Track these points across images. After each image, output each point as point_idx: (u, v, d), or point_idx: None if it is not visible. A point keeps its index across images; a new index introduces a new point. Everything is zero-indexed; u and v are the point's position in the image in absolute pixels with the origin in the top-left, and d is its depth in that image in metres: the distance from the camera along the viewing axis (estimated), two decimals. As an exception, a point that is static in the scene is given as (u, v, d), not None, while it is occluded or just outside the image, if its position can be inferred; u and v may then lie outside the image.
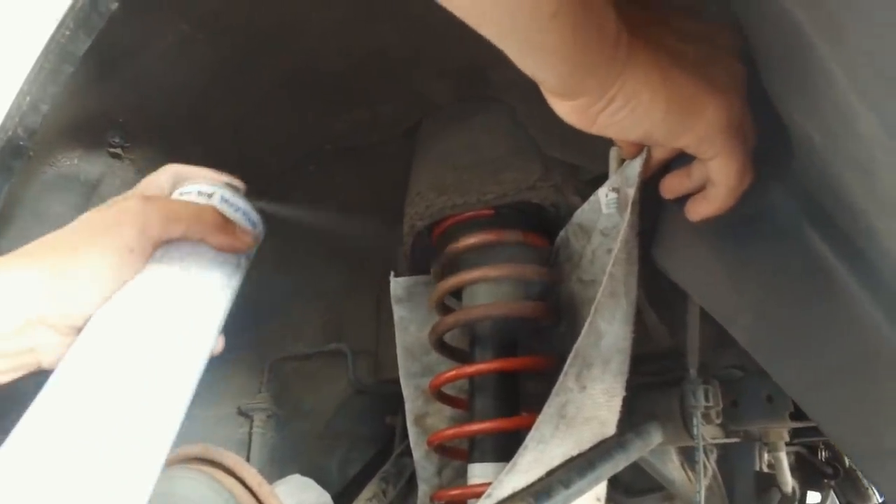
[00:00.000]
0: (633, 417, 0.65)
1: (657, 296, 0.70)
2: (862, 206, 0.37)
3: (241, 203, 0.55)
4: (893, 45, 0.22)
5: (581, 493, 0.58)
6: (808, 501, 1.32)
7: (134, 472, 0.42)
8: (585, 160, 0.70)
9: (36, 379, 0.45)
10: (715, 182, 0.47)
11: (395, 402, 0.86)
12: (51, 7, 0.59)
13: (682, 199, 0.52)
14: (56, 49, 0.60)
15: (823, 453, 1.29)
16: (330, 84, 0.78)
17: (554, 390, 0.54)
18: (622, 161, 0.57)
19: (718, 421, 0.73)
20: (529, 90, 0.43)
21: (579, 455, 0.59)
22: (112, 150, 0.75)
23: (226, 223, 0.53)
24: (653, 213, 0.57)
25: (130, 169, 0.77)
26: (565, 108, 0.42)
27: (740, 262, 0.53)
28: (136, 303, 0.47)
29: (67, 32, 0.59)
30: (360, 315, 1.02)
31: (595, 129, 0.43)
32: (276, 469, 0.97)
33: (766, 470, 1.01)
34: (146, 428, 0.43)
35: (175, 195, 0.55)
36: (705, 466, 0.84)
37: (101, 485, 0.40)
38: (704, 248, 0.54)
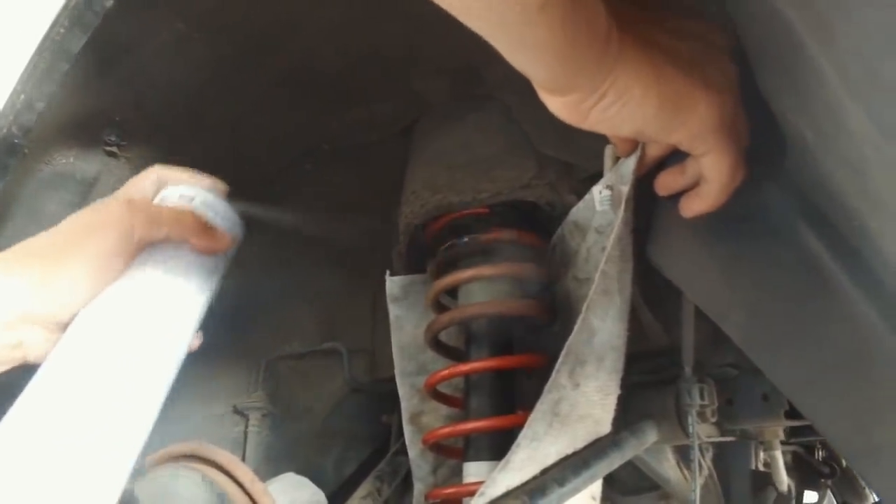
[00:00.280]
0: (628, 416, 0.65)
1: (652, 294, 0.70)
2: (854, 204, 0.37)
3: (222, 206, 0.58)
4: (881, 42, 0.22)
5: (576, 491, 0.58)
6: (805, 501, 1.33)
7: (109, 461, 0.44)
8: (580, 158, 0.70)
9: (29, 374, 0.47)
10: (708, 178, 0.47)
11: (391, 400, 0.86)
12: (46, 4, 0.59)
13: (677, 197, 0.52)
14: (51, 47, 0.60)
15: (820, 453, 1.29)
16: (326, 83, 0.78)
17: (547, 387, 0.54)
18: (617, 159, 0.57)
19: (714, 419, 0.73)
20: (525, 88, 0.43)
21: (574, 453, 0.59)
22: (108, 148, 0.75)
23: (205, 226, 0.55)
24: (647, 210, 0.57)
25: (126, 167, 0.77)
26: (557, 104, 0.42)
27: (734, 259, 0.53)
28: (118, 302, 0.49)
29: (62, 30, 0.59)
30: (355, 314, 1.02)
31: (587, 125, 0.44)
32: (272, 468, 0.97)
33: (761, 469, 1.01)
34: (126, 417, 0.46)
35: (158, 198, 0.57)
36: (701, 465, 0.84)
37: (75, 470, 0.42)
38: (698, 245, 0.54)
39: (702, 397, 0.70)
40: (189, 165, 0.80)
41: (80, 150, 0.72)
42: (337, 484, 0.99)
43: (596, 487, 0.63)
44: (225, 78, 0.73)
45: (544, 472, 0.57)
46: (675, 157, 0.52)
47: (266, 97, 0.78)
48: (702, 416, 0.71)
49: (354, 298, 1.03)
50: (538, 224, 0.74)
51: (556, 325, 0.70)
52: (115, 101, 0.71)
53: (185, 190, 0.57)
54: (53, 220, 0.74)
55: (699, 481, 0.73)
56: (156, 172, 0.59)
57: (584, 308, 0.53)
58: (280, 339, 1.05)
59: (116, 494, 0.44)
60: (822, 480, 1.29)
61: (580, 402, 0.57)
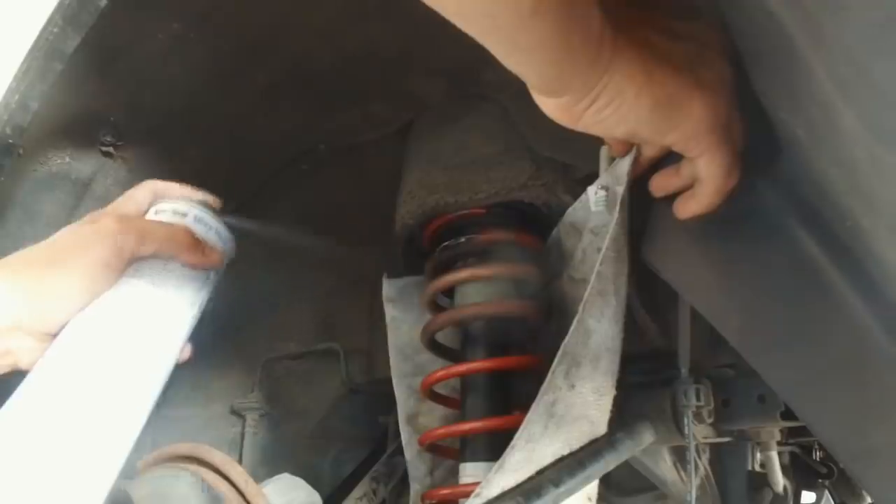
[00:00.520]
0: (624, 417, 0.65)
1: (648, 295, 0.70)
2: (847, 203, 0.37)
3: (214, 222, 0.60)
4: (870, 43, 0.22)
5: (571, 492, 0.58)
6: (802, 501, 1.33)
7: (90, 469, 0.46)
8: (576, 159, 0.70)
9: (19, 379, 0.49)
10: (703, 180, 0.47)
11: (388, 401, 0.86)
12: (40, 4, 0.59)
13: (672, 198, 0.52)
14: (45, 46, 0.60)
15: (818, 453, 1.29)
16: (322, 83, 0.78)
17: (542, 388, 0.54)
18: (612, 160, 0.57)
19: (710, 420, 0.73)
20: (520, 89, 0.43)
21: (570, 454, 0.59)
22: (104, 148, 0.75)
23: (196, 242, 0.57)
24: (643, 211, 0.57)
25: (122, 167, 0.77)
26: (550, 106, 0.42)
27: (729, 260, 0.53)
28: (107, 314, 0.51)
29: (56, 30, 0.59)
30: (352, 314, 1.02)
31: (580, 127, 0.43)
32: (269, 469, 0.97)
33: (758, 469, 1.01)
34: (109, 425, 0.47)
35: (151, 212, 0.59)
36: (697, 466, 0.84)
37: (55, 476, 0.44)
38: (694, 246, 0.54)
39: (698, 398, 0.70)
40: (185, 166, 0.81)
41: (76, 150, 0.72)
42: (334, 485, 0.99)
43: (592, 488, 0.63)
44: (221, 78, 0.73)
45: (540, 472, 0.57)
46: (670, 158, 0.52)
47: (262, 97, 0.78)
48: (698, 417, 0.71)
49: (351, 299, 1.03)
50: (534, 225, 0.74)
51: (552, 326, 0.70)
52: (111, 101, 0.71)
53: (178, 206, 0.58)
54: (49, 221, 0.75)
55: (695, 482, 0.73)
56: (150, 186, 0.60)
57: (580, 309, 0.53)
58: (277, 340, 1.05)
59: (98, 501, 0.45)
60: (820, 481, 1.29)
61: (576, 403, 0.57)
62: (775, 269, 0.49)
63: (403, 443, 0.83)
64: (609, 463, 0.61)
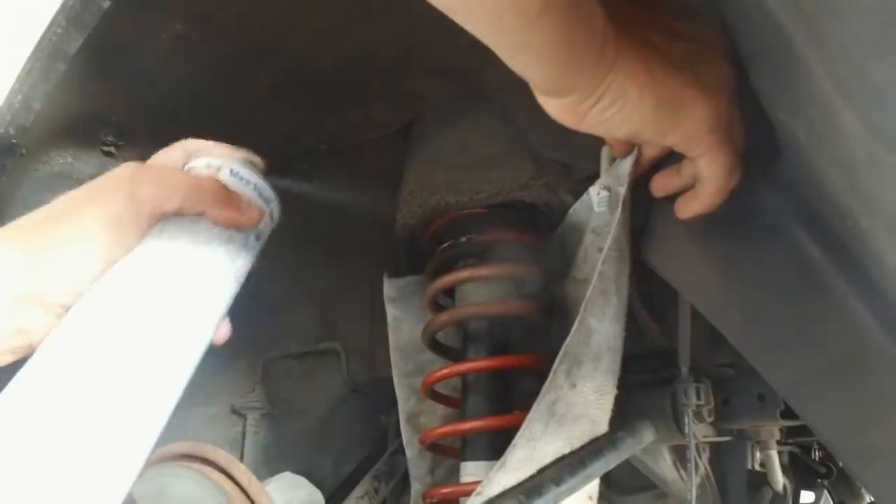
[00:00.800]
0: (625, 416, 0.65)
1: (649, 294, 0.71)
2: (846, 203, 0.38)
3: (254, 177, 0.50)
4: (869, 43, 0.22)
5: (572, 491, 0.58)
6: (801, 501, 1.33)
7: (110, 466, 0.39)
8: (578, 159, 0.70)
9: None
10: (703, 180, 0.48)
11: (389, 400, 0.86)
12: (43, 4, 0.59)
13: (673, 198, 0.52)
14: (48, 47, 0.60)
15: (817, 453, 1.29)
16: (324, 83, 0.78)
17: (544, 388, 0.54)
18: (613, 160, 0.57)
19: (710, 419, 0.73)
20: (522, 90, 0.43)
21: (571, 453, 0.59)
22: (106, 148, 0.75)
23: (229, 196, 0.48)
24: (644, 211, 0.57)
25: (124, 167, 0.77)
26: (554, 106, 0.43)
27: (730, 260, 0.53)
28: (124, 283, 0.43)
29: (59, 30, 0.59)
30: (353, 314, 1.02)
31: (583, 127, 0.44)
32: (270, 468, 0.97)
33: (758, 468, 1.01)
34: (127, 419, 0.40)
35: (185, 168, 0.50)
36: (697, 465, 0.84)
37: (76, 474, 0.37)
38: (694, 246, 0.54)
39: (698, 397, 0.70)
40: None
41: (78, 150, 0.72)
42: (335, 484, 0.99)
43: (593, 487, 0.64)
44: (222, 78, 0.74)
45: (541, 471, 0.57)
46: (670, 158, 0.52)
47: (263, 98, 0.78)
48: (698, 416, 0.71)
49: (352, 298, 1.03)
50: (535, 225, 0.74)
51: (554, 326, 0.71)
52: (113, 102, 0.71)
53: (212, 160, 0.49)
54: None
55: (695, 481, 0.73)
56: (185, 144, 0.52)
57: (581, 308, 0.54)
58: (278, 340, 1.05)
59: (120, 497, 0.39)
60: (819, 480, 1.29)
61: (577, 402, 0.57)
62: (775, 268, 0.49)
63: (404, 442, 0.83)
64: (610, 462, 0.61)
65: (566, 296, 0.69)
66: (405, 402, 0.83)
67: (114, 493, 0.39)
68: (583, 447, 0.59)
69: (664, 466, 0.84)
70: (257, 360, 1.04)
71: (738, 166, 0.47)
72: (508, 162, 0.73)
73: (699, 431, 0.73)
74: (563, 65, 0.39)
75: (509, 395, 0.73)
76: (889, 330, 0.44)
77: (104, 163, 0.75)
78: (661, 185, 0.53)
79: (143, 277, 0.43)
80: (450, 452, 0.79)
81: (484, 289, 0.73)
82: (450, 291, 0.78)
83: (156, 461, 0.53)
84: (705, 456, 0.91)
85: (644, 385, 0.76)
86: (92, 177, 0.75)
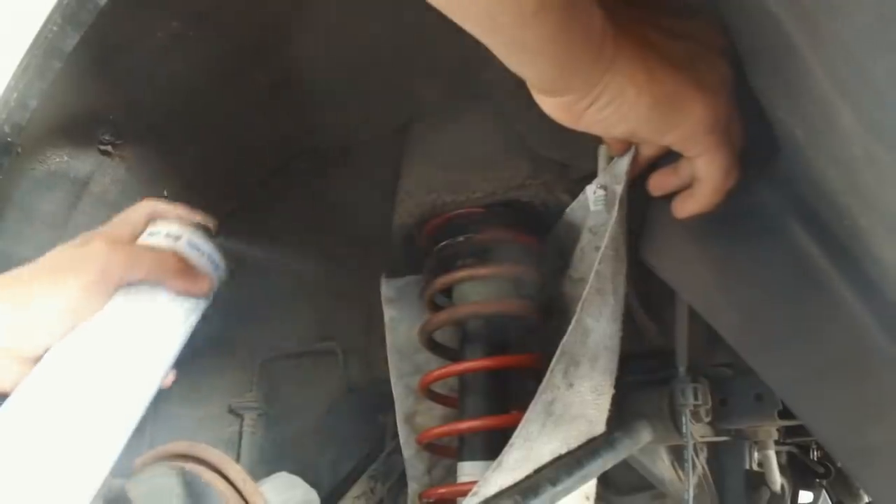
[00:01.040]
0: (622, 416, 0.65)
1: (647, 294, 0.70)
2: (845, 202, 0.38)
3: (207, 247, 0.59)
4: (868, 41, 0.22)
5: (569, 491, 0.58)
6: (800, 501, 1.33)
7: (66, 489, 0.46)
8: (575, 158, 0.70)
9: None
10: (701, 179, 0.48)
11: (386, 400, 0.86)
12: (39, 2, 0.59)
13: (670, 197, 0.52)
14: (44, 45, 0.60)
15: (815, 453, 1.29)
16: (321, 83, 0.78)
17: (541, 387, 0.54)
18: (611, 159, 0.57)
19: (708, 419, 0.73)
20: (519, 89, 0.43)
21: (568, 453, 0.59)
22: (102, 147, 0.74)
23: (186, 269, 0.56)
24: (641, 210, 0.57)
25: (121, 166, 0.77)
26: (551, 105, 0.42)
27: (727, 259, 0.53)
28: (91, 339, 0.50)
29: (55, 28, 0.59)
30: (351, 314, 1.02)
31: (581, 126, 0.44)
32: (266, 468, 0.97)
33: (756, 468, 1.01)
34: (87, 448, 0.47)
35: (145, 234, 0.58)
36: (695, 465, 0.84)
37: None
38: (692, 245, 0.54)
39: (696, 397, 0.70)
40: (183, 165, 0.80)
41: (74, 148, 0.72)
42: (332, 484, 0.99)
43: (590, 487, 0.63)
44: (220, 77, 0.73)
45: (538, 471, 0.57)
46: (668, 157, 0.52)
47: (260, 96, 0.78)
48: (696, 416, 0.71)
49: (350, 299, 1.03)
50: (533, 224, 0.74)
51: (551, 325, 0.70)
52: (110, 100, 0.71)
53: (172, 229, 0.58)
54: (47, 219, 0.75)
55: (693, 481, 0.73)
56: (147, 206, 0.59)
57: (578, 308, 0.53)
58: (275, 340, 1.05)
59: None
60: (818, 480, 1.29)
61: (574, 402, 0.57)
62: (773, 267, 0.49)
63: (401, 442, 0.83)
64: (607, 462, 0.61)
65: (563, 295, 0.69)
66: (402, 402, 0.83)
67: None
68: (580, 447, 0.59)
69: (662, 466, 0.84)
70: (254, 360, 1.03)
71: (736, 166, 0.47)
72: (505, 161, 0.73)
73: (697, 431, 0.73)
74: (560, 63, 0.39)
75: (506, 395, 0.73)
76: (887, 329, 0.44)
77: (101, 161, 0.75)
78: (659, 184, 0.53)
79: (103, 334, 0.51)
80: (447, 452, 0.79)
81: (481, 288, 0.73)
82: (447, 291, 0.78)
83: (150, 461, 0.53)
84: (703, 456, 0.91)
85: (641, 385, 0.75)
86: (88, 176, 0.76)
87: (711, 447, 0.96)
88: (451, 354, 0.78)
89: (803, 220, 0.46)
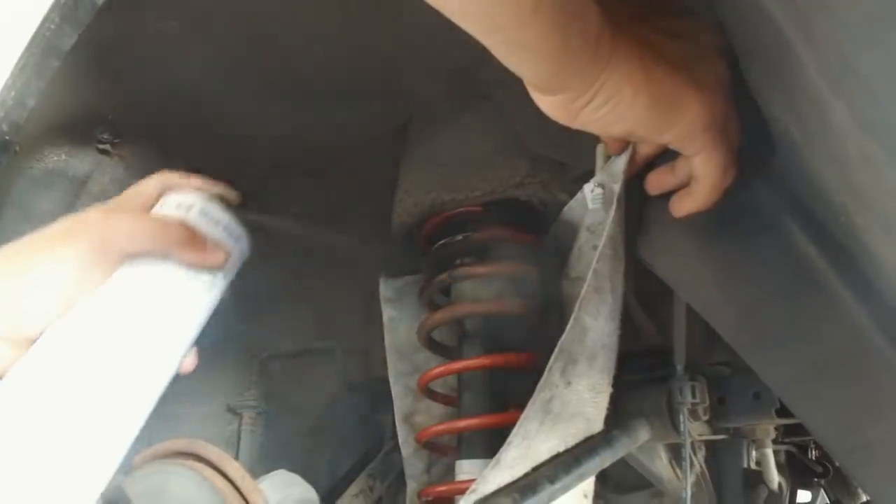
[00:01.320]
0: (620, 414, 0.65)
1: (644, 292, 0.71)
2: (840, 200, 0.38)
3: (224, 217, 0.53)
4: (858, 36, 0.22)
5: (567, 489, 0.58)
6: (798, 500, 1.33)
7: (74, 486, 0.41)
8: (572, 157, 0.70)
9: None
10: (698, 178, 0.48)
11: (385, 399, 0.86)
12: (37, 0, 0.59)
13: (668, 195, 0.52)
14: (42, 43, 0.60)
15: (814, 452, 1.29)
16: (320, 82, 0.78)
17: (539, 386, 0.54)
18: (608, 157, 0.57)
19: (706, 417, 0.73)
20: (517, 88, 0.43)
21: (566, 451, 0.59)
22: (100, 146, 0.74)
23: (194, 238, 0.50)
24: (639, 208, 0.57)
25: (119, 165, 0.77)
26: (548, 104, 0.43)
27: (724, 257, 0.53)
28: (93, 313, 0.45)
29: (53, 26, 0.59)
30: (350, 312, 1.02)
31: (577, 125, 0.44)
32: (265, 466, 0.97)
33: (753, 467, 1.02)
34: (87, 445, 0.42)
35: (157, 206, 0.53)
36: (692, 463, 0.84)
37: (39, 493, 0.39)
38: (689, 243, 0.55)
39: (693, 396, 0.70)
40: (182, 164, 0.80)
41: (72, 147, 0.72)
42: (330, 482, 0.99)
43: (588, 485, 0.64)
44: (219, 76, 0.73)
45: (536, 469, 0.57)
46: (665, 156, 0.52)
47: (259, 96, 0.78)
48: (693, 414, 0.71)
49: (349, 298, 1.03)
50: (531, 223, 0.74)
51: (549, 324, 0.71)
52: (108, 99, 0.71)
53: (184, 198, 0.52)
54: (45, 219, 0.74)
55: (691, 479, 0.73)
56: (161, 177, 0.54)
57: (576, 306, 0.54)
58: (274, 338, 1.05)
59: None
60: (816, 480, 1.29)
61: (572, 401, 0.57)
62: (770, 265, 0.49)
63: (400, 441, 0.83)
64: (605, 460, 0.61)
65: (561, 294, 0.69)
66: (401, 401, 0.83)
67: None
68: (578, 445, 0.59)
69: (660, 465, 0.84)
70: (253, 359, 1.04)
71: (733, 164, 0.47)
72: (504, 160, 0.73)
73: (695, 430, 0.73)
74: (558, 62, 0.39)
75: (505, 394, 0.73)
76: (883, 327, 0.44)
77: (99, 160, 0.75)
78: (656, 182, 0.53)
79: (106, 309, 0.45)
80: (446, 451, 0.79)
81: (480, 287, 0.73)
82: (446, 290, 0.78)
83: (149, 459, 0.53)
84: (701, 454, 0.91)
85: (639, 383, 0.76)
86: (87, 175, 0.76)
87: (709, 445, 0.96)
88: (449, 353, 0.78)
89: (800, 218, 0.46)
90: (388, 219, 0.81)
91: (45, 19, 0.59)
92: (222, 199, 0.54)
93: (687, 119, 0.44)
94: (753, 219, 0.49)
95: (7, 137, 0.64)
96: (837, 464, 1.26)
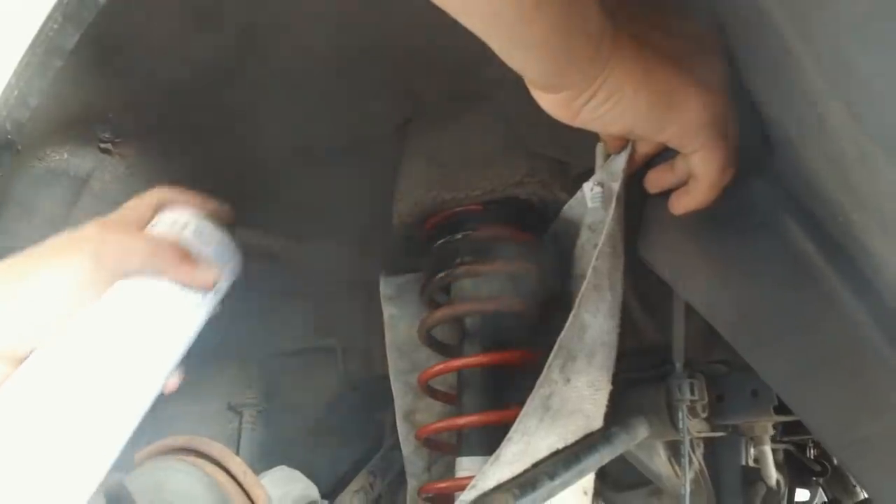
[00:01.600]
0: (619, 411, 0.66)
1: (643, 290, 0.71)
2: (837, 199, 0.38)
3: (217, 236, 0.54)
4: (856, 35, 0.22)
5: (566, 485, 0.58)
6: (797, 499, 1.33)
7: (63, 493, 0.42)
8: (572, 156, 0.71)
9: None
10: (697, 176, 0.48)
11: (386, 397, 0.86)
12: (40, 0, 0.59)
13: (667, 194, 0.52)
14: (44, 42, 0.60)
15: (812, 451, 1.30)
16: (321, 81, 0.78)
17: (538, 382, 0.54)
18: (608, 156, 0.57)
19: (704, 415, 0.74)
20: (518, 87, 0.43)
21: (565, 448, 0.59)
22: (102, 145, 0.75)
23: (187, 258, 0.51)
24: (638, 207, 0.58)
25: (121, 164, 0.77)
26: (548, 102, 0.43)
27: (723, 255, 0.53)
28: (83, 330, 0.46)
29: (55, 26, 0.59)
30: (350, 311, 1.03)
31: (578, 123, 0.44)
32: (266, 464, 0.96)
33: (752, 464, 1.02)
34: (73, 457, 0.43)
35: (153, 223, 0.54)
36: (691, 460, 0.85)
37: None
38: (688, 241, 0.55)
39: (692, 393, 0.71)
40: (183, 163, 0.81)
41: (74, 146, 0.72)
42: (331, 480, 0.99)
43: (588, 482, 0.64)
44: (220, 76, 0.74)
45: (535, 466, 0.57)
46: (664, 154, 0.53)
47: (261, 95, 0.78)
48: (692, 411, 0.72)
49: (349, 296, 1.03)
50: (531, 222, 0.74)
51: (549, 322, 0.71)
52: (110, 98, 0.71)
53: (179, 216, 0.53)
54: (46, 217, 0.75)
55: (689, 476, 0.74)
56: (157, 194, 0.55)
57: (575, 304, 0.54)
58: (275, 337, 1.05)
59: None
60: (814, 478, 1.30)
61: (571, 398, 0.57)
62: (769, 263, 0.49)
63: (400, 439, 0.83)
64: (604, 456, 0.62)
65: (562, 291, 0.69)
66: (401, 399, 0.83)
67: None
68: (577, 442, 0.60)
69: (658, 462, 0.84)
70: (254, 358, 1.04)
71: (732, 163, 0.47)
72: (504, 159, 0.73)
73: (693, 427, 0.74)
74: (558, 60, 0.39)
75: (505, 391, 0.73)
76: (881, 324, 0.44)
77: (101, 159, 0.75)
78: (655, 180, 0.53)
79: (96, 326, 0.46)
80: (446, 448, 0.79)
81: (480, 285, 0.74)
82: (446, 288, 0.78)
83: (151, 455, 0.53)
84: (699, 451, 0.91)
85: (638, 381, 0.76)
86: (88, 174, 0.76)
87: (708, 443, 0.97)
88: (450, 351, 0.79)
89: (798, 216, 0.47)
90: (389, 217, 0.81)
91: (48, 19, 0.59)
92: (217, 217, 0.55)
93: (686, 117, 0.45)
94: (752, 217, 0.49)
95: (9, 136, 0.64)
96: (835, 462, 1.26)
